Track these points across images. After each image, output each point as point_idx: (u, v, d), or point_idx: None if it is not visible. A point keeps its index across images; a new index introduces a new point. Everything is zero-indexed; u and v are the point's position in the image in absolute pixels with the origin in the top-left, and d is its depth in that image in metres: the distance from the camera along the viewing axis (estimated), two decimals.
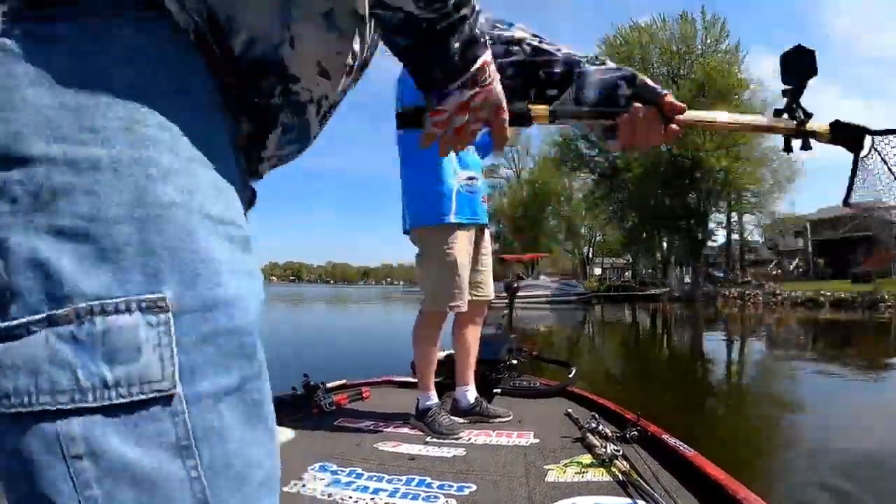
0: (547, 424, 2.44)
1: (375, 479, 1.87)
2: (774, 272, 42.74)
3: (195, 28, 0.48)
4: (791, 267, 43.82)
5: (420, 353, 2.59)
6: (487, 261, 2.78)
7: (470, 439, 2.33)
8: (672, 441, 1.96)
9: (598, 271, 59.67)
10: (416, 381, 2.61)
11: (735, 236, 41.66)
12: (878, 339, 11.96)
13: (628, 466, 1.79)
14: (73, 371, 0.37)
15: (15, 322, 0.37)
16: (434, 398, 2.55)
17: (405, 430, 2.50)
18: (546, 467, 1.92)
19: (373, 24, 0.61)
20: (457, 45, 0.61)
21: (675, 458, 1.87)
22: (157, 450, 0.38)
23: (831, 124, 0.98)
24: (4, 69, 0.39)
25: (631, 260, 52.79)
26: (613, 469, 1.82)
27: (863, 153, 0.98)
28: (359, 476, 1.90)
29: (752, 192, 35.35)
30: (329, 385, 3.04)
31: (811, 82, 0.95)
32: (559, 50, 0.90)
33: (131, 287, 0.39)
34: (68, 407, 0.37)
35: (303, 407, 2.79)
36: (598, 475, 1.81)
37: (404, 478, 1.87)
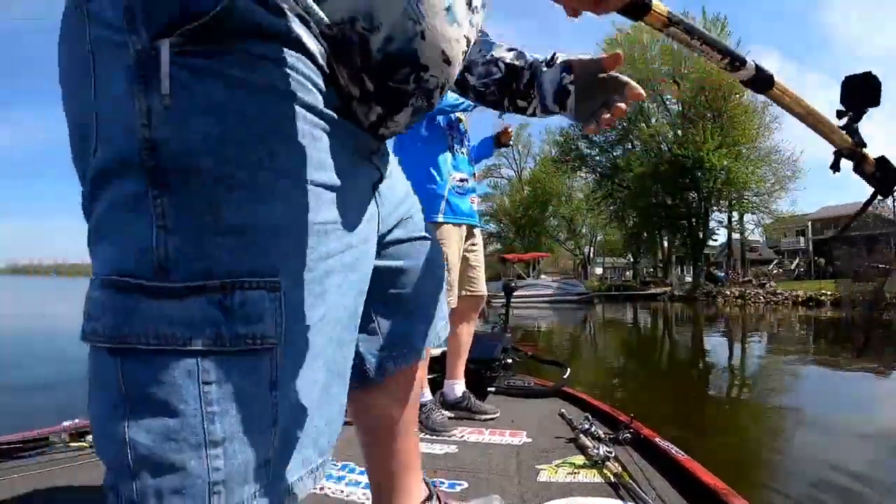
0: (540, 424, 2.42)
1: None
2: (775, 271, 42.72)
3: (326, 48, 0.60)
4: (792, 266, 43.74)
5: None
6: (479, 259, 2.81)
7: (462, 437, 2.32)
8: (664, 444, 1.95)
9: (599, 271, 59.66)
10: None
11: (736, 235, 41.59)
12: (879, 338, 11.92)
13: (620, 468, 1.79)
14: (217, 327, 0.52)
15: (178, 285, 0.51)
16: (428, 395, 2.54)
17: None
18: (538, 467, 1.90)
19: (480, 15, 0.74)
20: None
21: (668, 461, 1.86)
22: (256, 383, 0.55)
23: (877, 160, 0.96)
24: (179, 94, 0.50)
25: (632, 259, 52.79)
26: (605, 470, 1.81)
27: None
28: (351, 470, 1.89)
29: (754, 191, 35.30)
30: None
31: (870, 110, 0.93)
32: (525, 61, 0.99)
33: (262, 272, 0.54)
34: (209, 349, 0.52)
35: None
36: (590, 476, 1.80)
37: None
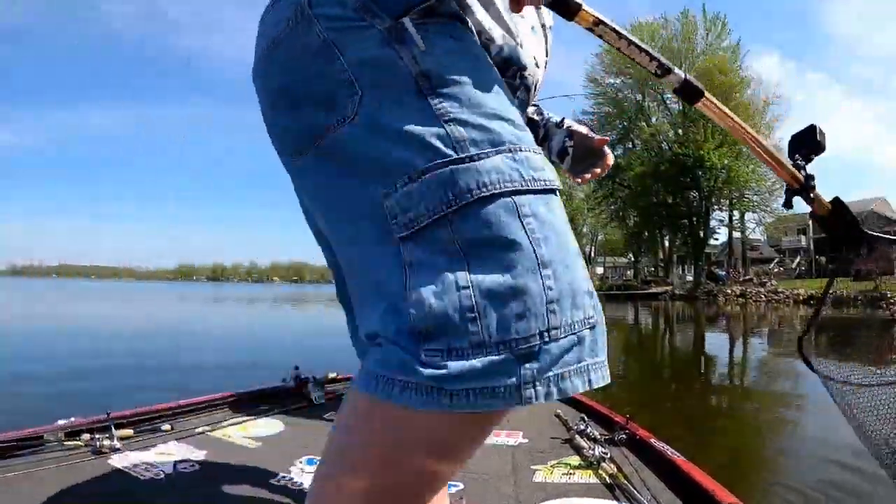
0: (536, 425, 2.42)
1: None
2: (776, 270, 42.68)
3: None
4: (794, 265, 43.70)
5: None
6: None
7: None
8: (660, 445, 1.96)
9: (600, 270, 59.66)
10: None
11: (737, 234, 41.59)
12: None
13: (615, 469, 1.79)
14: (520, 172, 0.65)
15: (481, 152, 0.65)
16: None
17: None
18: (534, 467, 1.90)
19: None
20: None
21: (663, 462, 1.86)
22: (559, 217, 0.68)
23: (833, 201, 1.02)
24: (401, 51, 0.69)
25: (633, 259, 52.79)
26: (601, 471, 1.81)
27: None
28: None
29: (754, 189, 35.31)
30: (319, 378, 3.02)
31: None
32: (543, 117, 1.31)
33: (527, 141, 0.70)
34: (521, 188, 0.64)
35: (292, 399, 2.78)
36: (586, 477, 1.80)
37: None
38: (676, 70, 0.87)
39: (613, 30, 0.79)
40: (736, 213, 39.15)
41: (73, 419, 2.10)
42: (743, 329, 14.59)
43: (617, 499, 1.62)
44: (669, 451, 1.89)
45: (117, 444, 1.97)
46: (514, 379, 0.61)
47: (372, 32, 0.69)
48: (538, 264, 0.62)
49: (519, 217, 0.63)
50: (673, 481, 1.73)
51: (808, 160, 1.01)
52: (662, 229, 41.26)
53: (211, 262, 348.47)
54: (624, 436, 2.07)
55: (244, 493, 1.70)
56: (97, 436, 1.98)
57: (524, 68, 0.89)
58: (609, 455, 1.89)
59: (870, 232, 1.04)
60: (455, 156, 0.64)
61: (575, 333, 0.64)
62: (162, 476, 1.78)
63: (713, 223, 39.49)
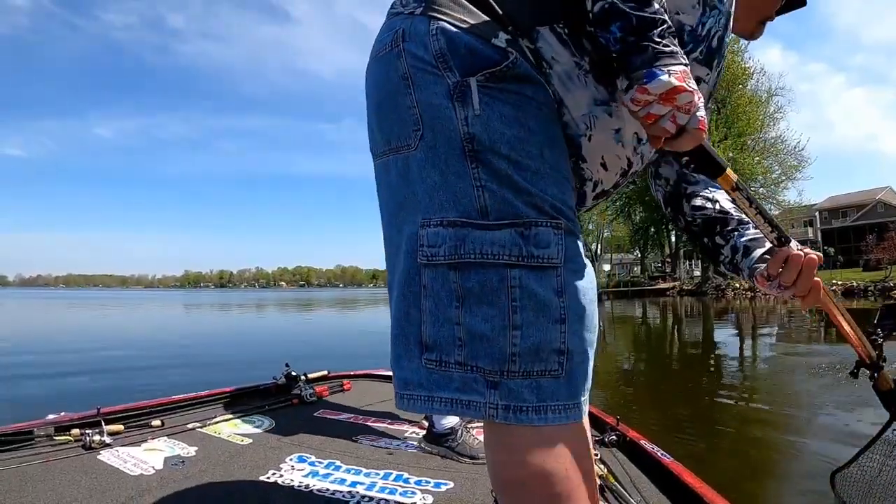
0: None
1: (353, 472, 1.85)
2: None
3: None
4: None
5: None
6: None
7: None
8: (650, 447, 1.95)
9: (606, 267, 59.48)
10: None
11: None
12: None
13: (605, 470, 1.78)
14: (520, 248, 0.74)
15: (495, 223, 0.75)
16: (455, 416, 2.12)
17: (384, 424, 2.48)
18: None
19: (647, 145, 0.93)
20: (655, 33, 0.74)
21: (653, 463, 1.86)
22: (549, 290, 0.75)
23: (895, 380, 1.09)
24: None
25: (639, 255, 52.60)
26: None
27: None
28: (337, 468, 1.88)
29: (760, 182, 35.08)
30: (310, 376, 3.04)
31: None
32: (733, 216, 1.10)
33: (548, 216, 0.76)
34: (515, 262, 0.74)
35: (283, 397, 2.79)
36: None
37: (382, 472, 1.85)
38: (794, 242, 0.92)
39: (747, 196, 0.87)
40: None
41: (62, 414, 2.11)
42: (753, 323, 14.50)
43: (606, 500, 1.61)
44: (659, 453, 1.88)
45: (107, 439, 1.98)
46: (482, 398, 0.76)
47: (443, 82, 0.76)
48: (510, 326, 0.74)
49: (507, 285, 0.74)
50: (662, 483, 1.73)
51: (890, 335, 1.12)
52: (668, 224, 41.01)
53: (217, 269, 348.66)
54: (614, 437, 2.07)
55: (234, 489, 1.70)
56: (87, 431, 1.99)
57: (583, 159, 0.90)
58: (599, 456, 1.88)
59: None
60: (475, 220, 0.75)
61: (533, 379, 0.75)
62: (152, 471, 1.79)
63: None
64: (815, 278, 0.91)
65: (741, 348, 9.76)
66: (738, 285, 32.06)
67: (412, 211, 0.80)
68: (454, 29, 0.76)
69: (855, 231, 38.95)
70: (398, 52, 0.80)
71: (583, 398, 0.79)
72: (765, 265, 0.95)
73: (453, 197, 0.76)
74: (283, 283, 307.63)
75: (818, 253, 0.92)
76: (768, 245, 0.99)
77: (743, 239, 1.04)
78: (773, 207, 36.73)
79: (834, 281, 26.38)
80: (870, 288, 23.58)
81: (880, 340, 1.11)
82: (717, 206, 1.11)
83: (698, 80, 0.81)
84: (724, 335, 12.09)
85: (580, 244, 0.81)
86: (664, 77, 0.71)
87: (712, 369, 7.32)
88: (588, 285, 0.81)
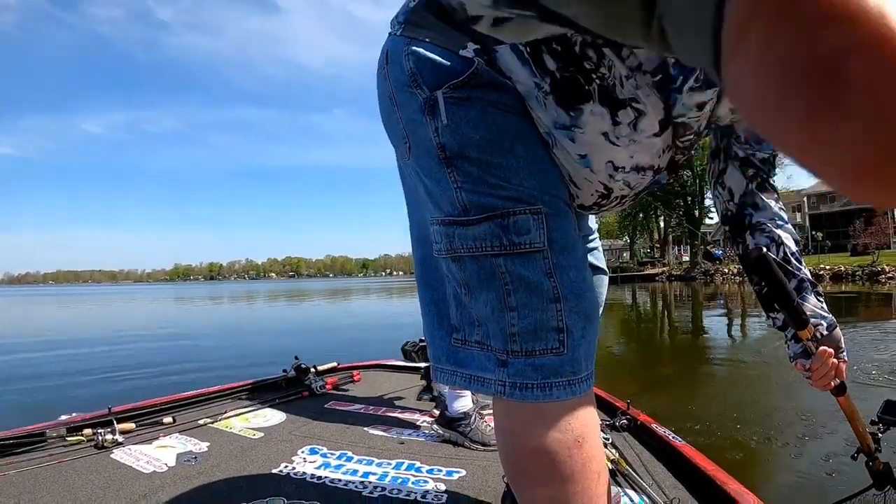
0: None
1: (365, 462, 1.87)
2: None
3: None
4: None
5: None
6: None
7: None
8: (661, 430, 1.95)
9: None
10: (407, 365, 2.54)
11: None
12: (881, 310, 11.95)
13: (617, 455, 1.78)
14: (500, 238, 0.78)
15: (474, 217, 0.79)
16: (468, 400, 2.12)
17: (395, 413, 2.49)
18: None
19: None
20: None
21: (664, 447, 1.86)
22: (537, 272, 0.79)
23: (884, 464, 1.29)
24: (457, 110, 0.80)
25: (628, 240, 52.82)
26: None
27: None
28: (349, 459, 1.89)
29: None
30: (320, 368, 3.04)
31: None
32: (799, 269, 1.14)
33: (525, 204, 0.79)
34: (498, 252, 0.79)
35: (293, 389, 2.79)
36: None
37: (394, 462, 1.86)
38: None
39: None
40: None
41: (74, 415, 2.10)
42: (742, 308, 14.63)
43: (619, 484, 1.62)
44: (671, 437, 1.88)
45: (119, 438, 1.97)
46: (493, 375, 0.82)
47: (416, 99, 0.82)
48: (506, 308, 0.80)
49: (497, 272, 0.80)
50: (675, 466, 1.74)
51: (888, 429, 1.29)
52: (657, 210, 41.25)
53: (207, 262, 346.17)
54: (625, 421, 2.08)
55: (247, 483, 1.70)
56: (99, 430, 1.99)
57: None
58: (610, 440, 1.89)
59: None
60: (459, 217, 0.81)
61: (535, 357, 0.79)
62: (165, 468, 1.79)
63: (708, 202, 39.51)
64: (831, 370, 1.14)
65: (730, 328, 9.88)
66: (726, 270, 32.26)
67: (426, 209, 0.89)
68: (422, 49, 0.81)
69: (843, 216, 39.26)
70: (384, 75, 0.86)
71: (585, 373, 0.82)
72: (806, 360, 1.15)
73: (440, 199, 0.83)
74: (273, 274, 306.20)
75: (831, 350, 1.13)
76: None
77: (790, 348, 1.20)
78: None
79: (822, 266, 26.64)
80: (857, 272, 23.85)
81: (880, 435, 1.29)
82: (781, 254, 1.14)
83: (702, 105, 0.81)
84: (714, 319, 12.21)
85: (569, 224, 0.83)
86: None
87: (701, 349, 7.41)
88: (580, 262, 0.84)
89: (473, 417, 2.08)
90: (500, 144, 0.80)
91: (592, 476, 0.81)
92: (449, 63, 0.80)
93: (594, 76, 0.77)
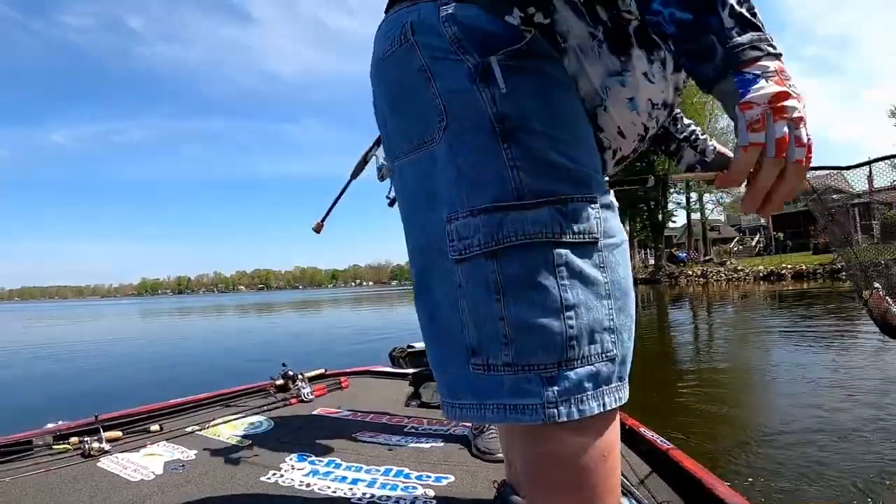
0: None
1: (354, 469, 1.87)
2: (736, 248, 43.76)
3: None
4: (753, 243, 44.84)
5: None
6: None
7: (448, 430, 2.31)
8: (649, 434, 1.97)
9: None
10: (395, 371, 2.52)
11: (696, 216, 42.39)
12: (840, 306, 12.26)
13: None
14: (560, 225, 0.71)
15: (532, 202, 0.71)
16: None
17: (383, 420, 2.49)
18: None
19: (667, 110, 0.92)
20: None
21: (652, 450, 1.88)
22: (592, 266, 0.73)
23: None
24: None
25: None
26: None
27: None
28: (337, 466, 1.89)
29: None
30: (308, 375, 3.03)
31: None
32: (680, 130, 1.37)
33: (584, 192, 0.73)
34: (557, 240, 0.71)
35: (281, 396, 2.78)
36: None
37: (382, 468, 1.86)
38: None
39: None
40: (693, 195, 39.91)
41: (60, 423, 2.07)
42: (706, 308, 14.93)
43: None
44: (659, 440, 1.90)
45: (106, 446, 1.95)
46: (537, 399, 0.71)
47: (463, 66, 0.74)
48: (562, 307, 0.71)
49: (553, 265, 0.71)
50: (663, 470, 1.75)
51: None
52: (623, 214, 41.75)
53: (175, 275, 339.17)
54: None
55: (235, 490, 1.69)
56: (86, 439, 1.96)
57: (599, 129, 0.87)
58: None
59: None
60: (510, 201, 0.71)
61: (592, 364, 0.72)
62: (152, 476, 1.77)
63: (671, 206, 40.24)
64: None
65: (696, 327, 10.08)
66: (689, 272, 32.87)
67: (436, 208, 0.77)
68: (465, 11, 0.75)
69: (804, 216, 40.30)
70: (410, 47, 0.78)
71: (626, 378, 0.77)
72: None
73: (482, 183, 0.72)
74: (242, 286, 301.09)
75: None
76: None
77: (683, 159, 1.38)
78: (724, 195, 37.83)
79: (784, 265, 27.34)
80: (818, 270, 24.56)
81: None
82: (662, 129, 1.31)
83: (678, 89, 0.86)
84: (681, 316, 12.45)
85: (615, 216, 0.79)
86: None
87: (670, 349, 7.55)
88: (626, 259, 0.80)
89: (472, 425, 2.07)
90: (561, 118, 0.75)
91: (612, 490, 0.77)
92: (498, 29, 0.74)
93: (631, 18, 0.77)
